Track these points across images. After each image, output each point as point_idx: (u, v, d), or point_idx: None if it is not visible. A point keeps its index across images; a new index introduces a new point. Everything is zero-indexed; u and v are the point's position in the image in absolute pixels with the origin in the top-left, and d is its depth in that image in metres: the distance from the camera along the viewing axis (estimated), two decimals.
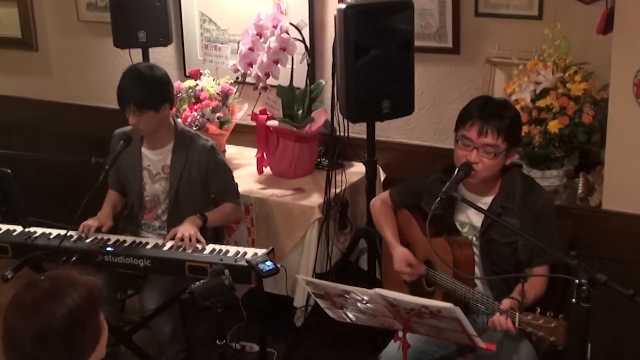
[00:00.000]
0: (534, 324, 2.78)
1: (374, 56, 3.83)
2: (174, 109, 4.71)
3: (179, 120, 4.35)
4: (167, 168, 4.04)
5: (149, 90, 3.87)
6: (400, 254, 3.45)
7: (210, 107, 4.69)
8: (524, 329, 2.82)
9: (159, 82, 3.93)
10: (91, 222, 3.93)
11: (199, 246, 3.79)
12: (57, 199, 5.66)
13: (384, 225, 3.62)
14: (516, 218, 3.20)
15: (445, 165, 3.40)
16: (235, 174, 4.62)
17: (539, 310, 2.80)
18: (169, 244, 3.81)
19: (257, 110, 4.69)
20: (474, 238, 3.31)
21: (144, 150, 4.06)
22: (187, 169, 4.00)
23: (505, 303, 2.94)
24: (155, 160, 4.06)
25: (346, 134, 4.24)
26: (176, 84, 4.87)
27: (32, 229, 4.01)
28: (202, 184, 4.05)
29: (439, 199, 3.08)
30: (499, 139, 3.16)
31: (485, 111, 3.21)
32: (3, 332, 2.18)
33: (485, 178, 3.22)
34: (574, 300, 2.65)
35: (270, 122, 4.59)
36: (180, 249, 3.76)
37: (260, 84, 4.48)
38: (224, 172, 4.12)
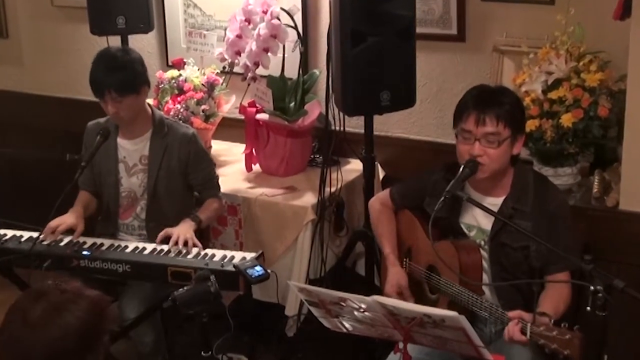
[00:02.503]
0: (547, 336, 2.76)
1: (372, 44, 3.82)
2: (155, 101, 4.72)
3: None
4: (145, 159, 4.03)
5: (127, 73, 3.87)
6: (394, 276, 3.45)
7: (195, 99, 4.67)
8: (536, 340, 2.81)
9: (136, 63, 3.94)
10: (57, 223, 3.90)
11: (196, 250, 3.78)
12: (29, 198, 5.64)
13: (383, 235, 3.61)
14: (529, 221, 3.18)
15: (448, 162, 3.39)
16: (222, 171, 4.62)
17: (552, 321, 2.79)
18: (149, 248, 3.80)
19: (245, 103, 4.68)
20: (482, 242, 3.30)
21: (119, 140, 4.05)
22: (167, 158, 4.00)
23: (515, 312, 2.92)
24: (132, 150, 4.05)
25: (342, 129, 4.23)
26: (158, 74, 4.87)
27: (1, 231, 3.99)
28: (183, 175, 4.05)
29: (442, 198, 3.06)
30: (499, 126, 3.15)
31: (481, 100, 3.21)
32: (5, 341, 2.19)
33: (494, 172, 3.21)
34: (588, 308, 2.64)
35: (259, 116, 4.58)
36: (163, 253, 3.75)
37: (249, 74, 4.47)
38: (206, 162, 4.12)
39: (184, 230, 3.84)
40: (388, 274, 3.47)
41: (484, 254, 3.28)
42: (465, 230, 3.35)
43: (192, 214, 3.99)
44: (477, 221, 3.32)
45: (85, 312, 2.20)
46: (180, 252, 3.75)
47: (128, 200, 4.10)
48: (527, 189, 3.27)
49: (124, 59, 3.93)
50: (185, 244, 3.77)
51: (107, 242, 3.89)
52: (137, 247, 3.82)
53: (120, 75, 3.84)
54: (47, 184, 4.71)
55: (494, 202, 3.26)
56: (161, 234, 3.86)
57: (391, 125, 4.67)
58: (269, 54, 4.41)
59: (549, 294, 3.15)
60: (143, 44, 5.27)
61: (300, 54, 4.56)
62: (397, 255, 3.53)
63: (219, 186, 4.20)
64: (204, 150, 4.14)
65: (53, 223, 3.86)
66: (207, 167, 4.12)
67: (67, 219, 3.92)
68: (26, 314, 2.19)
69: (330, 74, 4.10)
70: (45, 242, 3.85)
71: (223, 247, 4.32)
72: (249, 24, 4.42)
